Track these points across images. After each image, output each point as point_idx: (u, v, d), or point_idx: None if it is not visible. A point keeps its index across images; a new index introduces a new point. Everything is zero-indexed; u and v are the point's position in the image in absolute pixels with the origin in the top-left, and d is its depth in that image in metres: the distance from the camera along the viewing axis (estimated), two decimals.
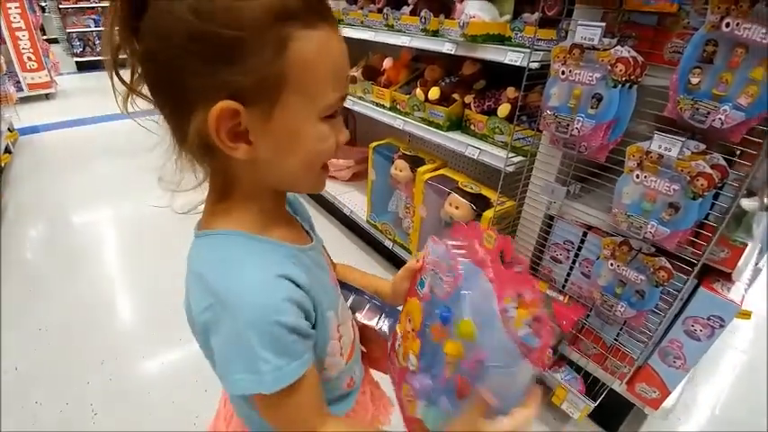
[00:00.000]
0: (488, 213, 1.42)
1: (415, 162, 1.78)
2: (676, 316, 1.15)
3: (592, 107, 1.01)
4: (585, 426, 1.49)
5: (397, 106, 1.81)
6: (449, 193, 1.56)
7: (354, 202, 2.34)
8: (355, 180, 2.58)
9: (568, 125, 1.06)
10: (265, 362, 0.45)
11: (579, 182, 1.25)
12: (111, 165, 3.39)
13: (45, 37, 5.90)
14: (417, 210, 1.73)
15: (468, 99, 1.58)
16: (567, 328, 1.28)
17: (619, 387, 1.30)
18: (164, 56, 0.42)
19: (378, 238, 2.11)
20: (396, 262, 2.15)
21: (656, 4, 0.91)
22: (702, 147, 0.95)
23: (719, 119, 0.88)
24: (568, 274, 1.35)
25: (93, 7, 6.50)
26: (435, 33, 1.52)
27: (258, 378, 0.45)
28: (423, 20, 1.53)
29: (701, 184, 0.89)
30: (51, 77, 4.97)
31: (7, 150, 3.29)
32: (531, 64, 1.19)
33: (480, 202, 1.49)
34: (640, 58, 0.98)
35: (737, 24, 0.84)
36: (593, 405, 1.28)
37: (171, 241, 2.46)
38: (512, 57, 1.26)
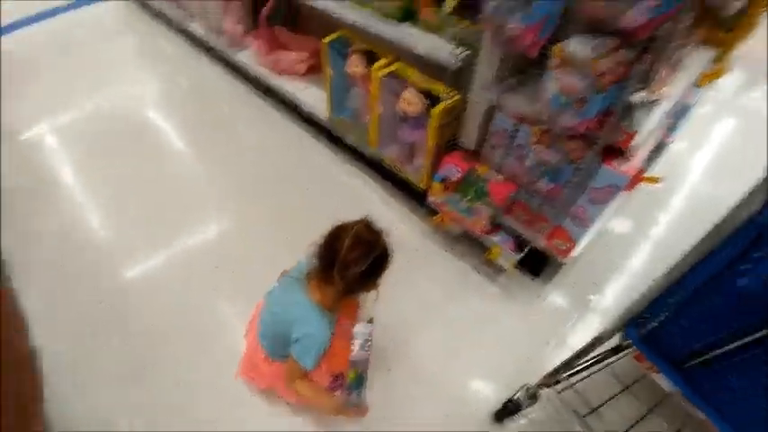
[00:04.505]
0: (438, 108, 1.58)
1: (369, 57, 1.84)
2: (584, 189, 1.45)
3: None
4: (518, 275, 1.90)
5: None
6: (403, 90, 1.68)
7: (314, 98, 2.37)
8: (311, 74, 2.54)
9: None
10: None
11: (518, 74, 1.41)
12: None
13: None
14: (375, 106, 1.86)
15: None
16: (500, 201, 1.57)
17: (540, 243, 1.66)
18: None
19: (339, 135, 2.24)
20: (358, 156, 2.31)
21: None
22: (617, 42, 1.12)
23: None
24: (504, 158, 1.59)
25: None
26: None
27: None
28: None
29: (604, 81, 1.09)
30: None
31: None
32: None
33: (431, 97, 1.64)
34: None
35: None
36: (518, 256, 1.65)
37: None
38: None
